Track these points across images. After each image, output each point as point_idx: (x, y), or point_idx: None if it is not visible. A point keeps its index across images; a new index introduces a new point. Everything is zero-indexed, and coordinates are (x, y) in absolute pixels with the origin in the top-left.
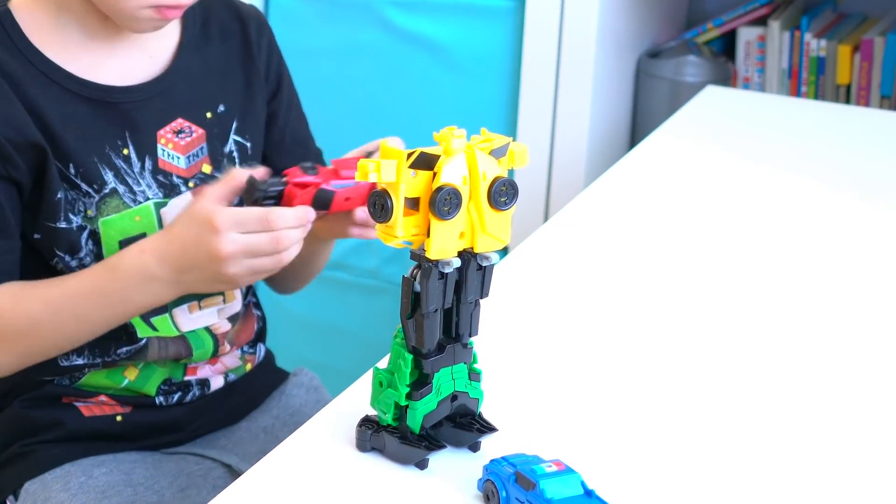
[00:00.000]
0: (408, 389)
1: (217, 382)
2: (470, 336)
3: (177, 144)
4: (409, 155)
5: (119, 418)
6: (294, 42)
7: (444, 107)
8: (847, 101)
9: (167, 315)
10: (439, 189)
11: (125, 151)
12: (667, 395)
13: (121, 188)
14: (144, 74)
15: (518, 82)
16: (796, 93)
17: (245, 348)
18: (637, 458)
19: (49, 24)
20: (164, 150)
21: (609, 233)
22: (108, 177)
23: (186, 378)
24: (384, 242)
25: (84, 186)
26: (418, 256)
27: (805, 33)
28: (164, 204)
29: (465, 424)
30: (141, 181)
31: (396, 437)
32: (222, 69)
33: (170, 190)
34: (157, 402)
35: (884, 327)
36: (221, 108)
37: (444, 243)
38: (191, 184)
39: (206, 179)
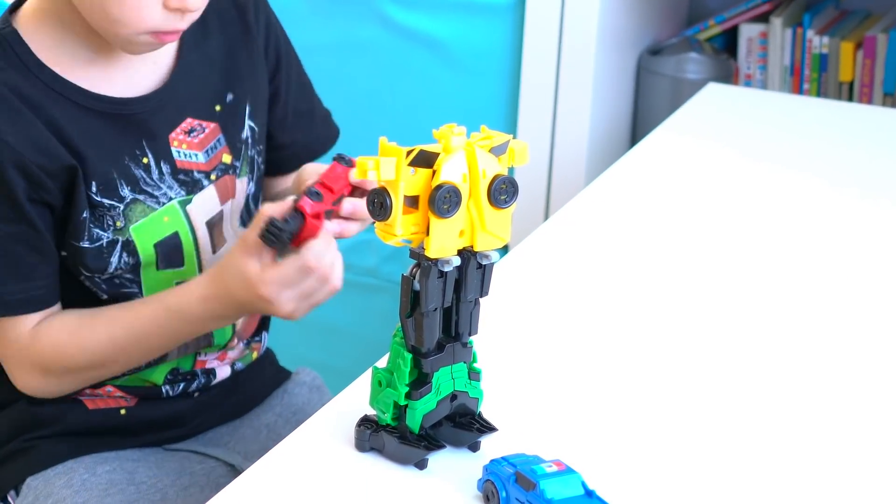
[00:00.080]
0: (407, 389)
1: (223, 372)
2: (470, 335)
3: (191, 143)
4: (409, 152)
5: (123, 412)
6: (292, 38)
7: (444, 104)
8: (850, 98)
9: None
10: (439, 187)
11: (144, 160)
12: (668, 394)
13: (140, 196)
14: (151, 81)
15: (518, 79)
16: (798, 90)
17: (250, 339)
18: (638, 458)
19: (55, 42)
20: (178, 152)
21: (610, 231)
22: (125, 191)
23: (195, 369)
24: (383, 241)
25: (107, 202)
26: (418, 255)
27: (807, 30)
28: (189, 201)
29: (464, 424)
30: (161, 185)
31: (395, 436)
32: (225, 59)
33: (192, 186)
34: (163, 391)
35: (885, 325)
36: (230, 97)
37: (444, 242)
38: (212, 176)
39: (226, 169)
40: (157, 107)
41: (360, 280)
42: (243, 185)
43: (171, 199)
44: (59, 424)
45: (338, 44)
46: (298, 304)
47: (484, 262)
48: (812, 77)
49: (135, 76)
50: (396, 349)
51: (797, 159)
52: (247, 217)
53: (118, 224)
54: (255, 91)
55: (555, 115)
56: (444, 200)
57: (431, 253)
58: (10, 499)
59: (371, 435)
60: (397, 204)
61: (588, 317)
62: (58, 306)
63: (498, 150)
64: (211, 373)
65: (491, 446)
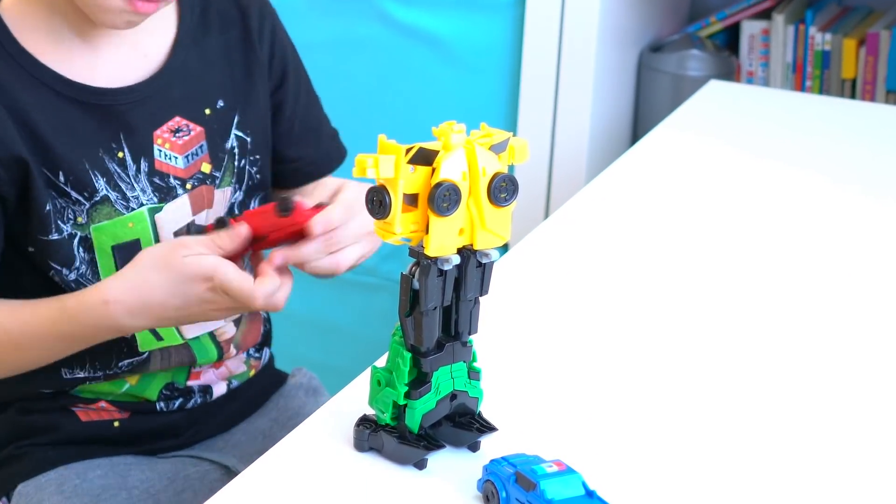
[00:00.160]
0: (406, 388)
1: (220, 389)
2: (469, 334)
3: (174, 144)
4: (408, 150)
5: (116, 424)
6: (291, 35)
7: (444, 101)
8: (852, 95)
9: None
10: (438, 185)
11: (119, 154)
12: (669, 393)
13: (113, 195)
14: (139, 74)
15: (518, 76)
16: (801, 87)
17: (251, 352)
18: (639, 458)
19: (40, 26)
20: (160, 151)
21: (611, 229)
22: (100, 183)
23: (189, 383)
24: (382, 239)
25: (74, 194)
26: (417, 253)
27: (809, 27)
28: (160, 209)
29: (464, 424)
30: (136, 185)
31: (395, 436)
32: (221, 62)
33: (166, 193)
34: (157, 407)
35: (888, 323)
36: (221, 103)
37: (443, 240)
38: (188, 185)
39: (204, 179)
40: (139, 100)
41: (359, 279)
42: (224, 195)
43: (142, 204)
44: (51, 433)
45: (337, 41)
46: (221, 313)
47: (484, 261)
48: (814, 74)
49: (121, 66)
50: (396, 348)
51: (799, 157)
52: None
53: (79, 220)
54: (247, 101)
55: (555, 113)
56: (443, 198)
57: (431, 251)
58: None
59: (370, 435)
60: (396, 202)
61: (589, 315)
62: None
63: (498, 148)
64: (207, 390)
65: (491, 446)
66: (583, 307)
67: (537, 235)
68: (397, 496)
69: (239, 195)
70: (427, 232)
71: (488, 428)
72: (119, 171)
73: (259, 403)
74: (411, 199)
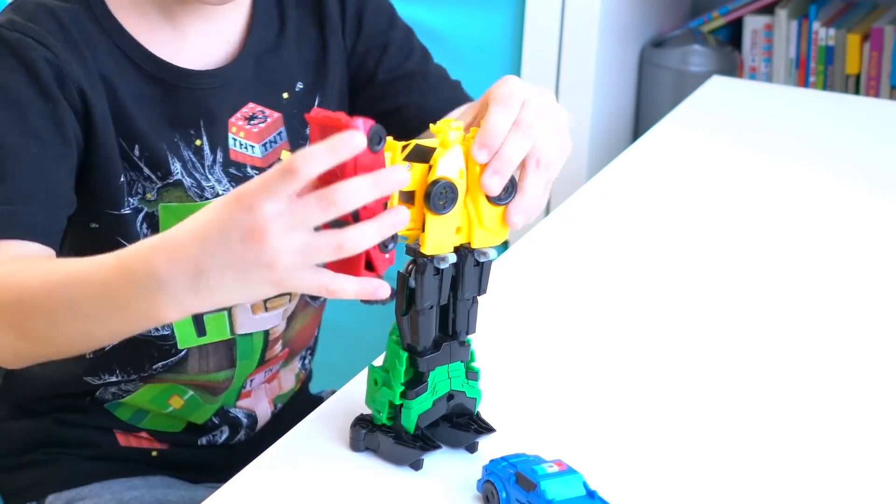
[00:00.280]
0: (402, 388)
1: (264, 414)
2: (467, 334)
3: (249, 132)
4: (404, 147)
5: (154, 453)
6: None
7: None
8: (856, 91)
9: (225, 314)
10: (434, 183)
11: (198, 143)
12: (671, 393)
13: (187, 181)
14: (220, 57)
15: (519, 72)
16: (804, 83)
17: (303, 354)
18: (640, 459)
19: (129, 3)
20: (235, 140)
21: (612, 227)
22: (176, 167)
23: (240, 404)
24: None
25: (147, 171)
26: (413, 251)
27: (813, 22)
28: None
29: (462, 424)
30: (210, 176)
31: (391, 436)
32: (298, 40)
33: (243, 183)
34: (199, 442)
35: (891, 321)
36: (300, 85)
37: (440, 238)
38: None
39: None
40: (220, 84)
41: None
42: None
43: (217, 194)
44: (87, 448)
45: None
46: (288, 230)
47: (482, 260)
48: (818, 70)
49: (204, 52)
50: (393, 348)
51: (803, 153)
52: None
53: (148, 196)
54: (326, 82)
55: None
56: (439, 196)
57: (427, 250)
58: None
59: (366, 435)
60: (393, 200)
61: (590, 314)
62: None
63: None
64: (253, 421)
65: (490, 447)
66: (584, 305)
67: (538, 233)
68: (393, 497)
69: None
70: (423, 230)
71: (486, 429)
72: (195, 159)
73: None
74: (408, 197)
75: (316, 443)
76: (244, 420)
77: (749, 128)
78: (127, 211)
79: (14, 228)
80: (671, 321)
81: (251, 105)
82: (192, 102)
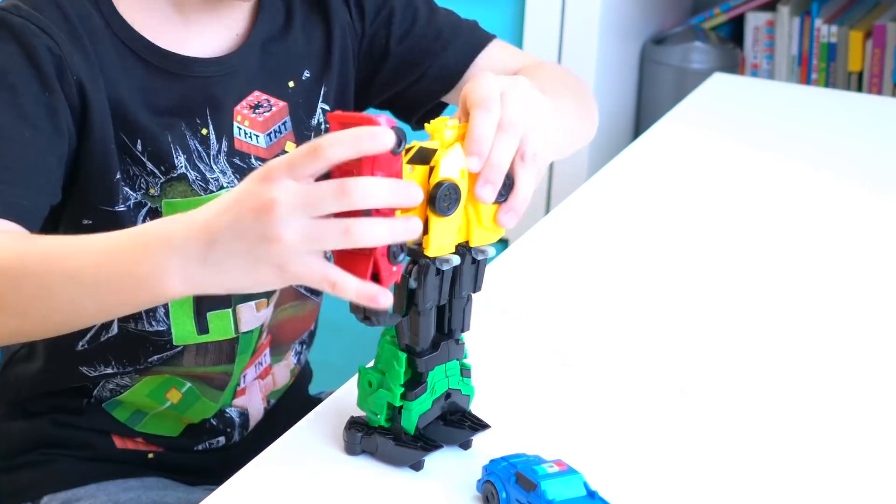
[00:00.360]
0: (402, 389)
1: (256, 413)
2: (462, 332)
3: (254, 121)
4: (407, 150)
5: (150, 455)
6: None
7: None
8: (859, 88)
9: (229, 311)
10: (439, 185)
11: (203, 131)
12: (671, 392)
13: (191, 174)
14: (224, 47)
15: None
16: (806, 80)
17: (300, 350)
18: (641, 459)
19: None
20: (240, 129)
21: (612, 225)
22: (180, 160)
23: (236, 402)
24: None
25: (150, 165)
26: (414, 252)
27: (815, 18)
28: None
29: (455, 422)
30: (215, 167)
31: (390, 438)
32: (305, 28)
33: (246, 174)
34: (195, 447)
35: (894, 320)
36: (306, 73)
37: (443, 240)
38: None
39: None
40: (226, 72)
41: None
42: None
43: (221, 187)
44: (84, 450)
45: None
46: (299, 210)
47: (479, 258)
48: (820, 67)
49: (210, 40)
50: (388, 349)
51: (805, 151)
52: None
53: (151, 191)
54: (332, 71)
55: None
56: (444, 199)
57: (431, 252)
58: None
59: (363, 438)
60: None
61: (590, 312)
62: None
63: None
64: (245, 420)
65: (490, 446)
66: (584, 303)
67: (538, 231)
68: (393, 498)
69: None
70: (426, 232)
71: (480, 425)
72: (200, 149)
73: (293, 424)
74: None
75: (313, 444)
76: (237, 420)
77: (751, 125)
78: (122, 208)
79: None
80: (671, 319)
81: (256, 94)
82: (198, 90)
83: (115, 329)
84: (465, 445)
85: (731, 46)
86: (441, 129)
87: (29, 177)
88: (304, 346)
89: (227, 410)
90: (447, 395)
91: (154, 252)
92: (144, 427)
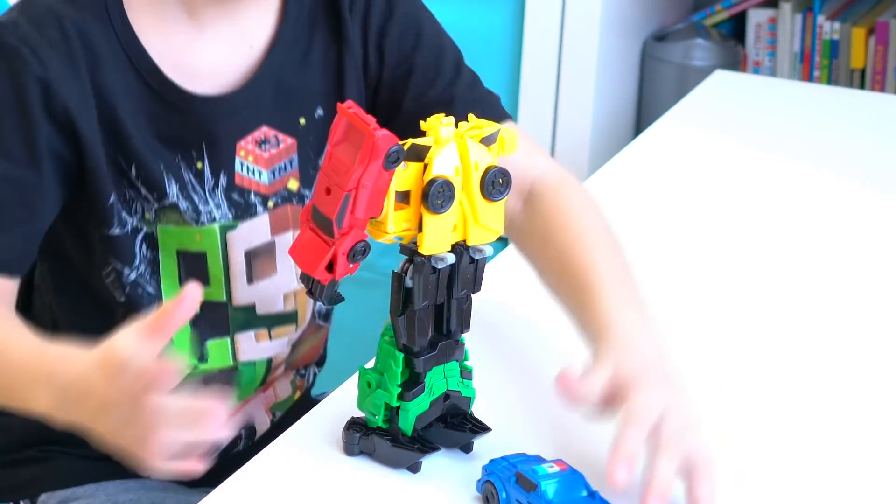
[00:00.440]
0: (399, 390)
1: (262, 425)
2: (462, 332)
3: (258, 157)
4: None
5: None
6: None
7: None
8: (861, 86)
9: (227, 340)
10: (432, 182)
11: (199, 165)
12: None
13: (183, 204)
14: (237, 74)
15: (519, 67)
16: (808, 77)
17: (300, 370)
18: (640, 458)
19: (153, 10)
20: (242, 164)
21: (613, 223)
22: (172, 190)
23: (234, 417)
24: (374, 238)
25: (143, 191)
26: (409, 251)
27: (818, 15)
28: (233, 227)
29: (456, 424)
30: (210, 200)
31: (387, 439)
32: (323, 64)
33: (243, 210)
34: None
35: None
36: (320, 111)
37: (437, 238)
38: (270, 203)
39: (290, 198)
40: (229, 111)
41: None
42: None
43: (213, 219)
44: (83, 448)
45: None
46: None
47: (477, 257)
48: (822, 64)
49: (222, 49)
50: (386, 349)
51: (807, 149)
52: None
53: (147, 216)
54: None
55: (556, 104)
56: (437, 195)
57: (425, 249)
58: None
59: (361, 438)
60: (389, 200)
61: None
62: (15, 284)
63: (488, 140)
64: (251, 431)
65: (489, 447)
66: None
67: None
68: (391, 500)
69: None
70: (420, 230)
71: (481, 428)
72: (194, 182)
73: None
74: (403, 197)
75: (311, 446)
76: (242, 431)
77: (753, 123)
78: (118, 231)
79: None
80: (672, 318)
81: (265, 129)
82: (197, 125)
83: None
84: (466, 448)
85: (732, 43)
86: (437, 127)
87: (14, 224)
88: (316, 365)
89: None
90: (446, 396)
91: (58, 392)
92: None
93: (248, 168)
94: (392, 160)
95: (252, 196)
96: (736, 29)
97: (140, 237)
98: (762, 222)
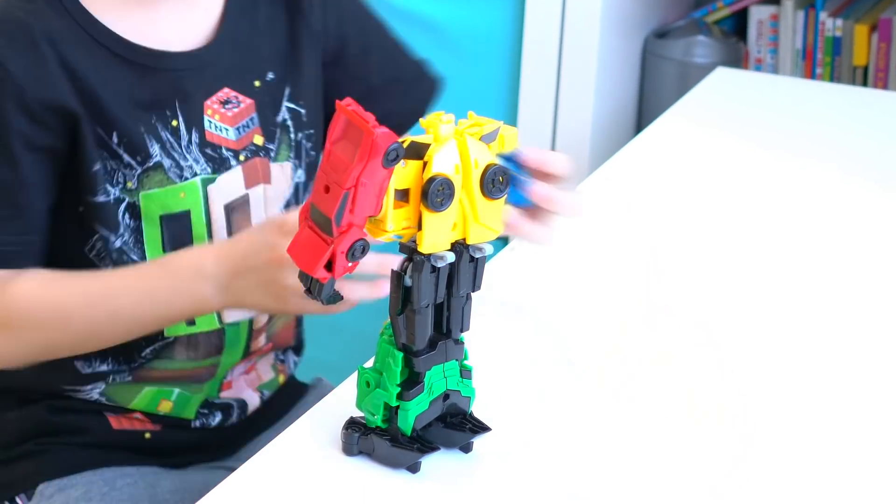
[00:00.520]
0: (398, 389)
1: (253, 402)
2: (462, 331)
3: (224, 116)
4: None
5: (147, 435)
6: None
7: (442, 90)
8: (864, 83)
9: None
10: (431, 180)
11: (174, 123)
12: (671, 391)
13: (166, 162)
14: (195, 39)
15: (519, 64)
16: (811, 74)
17: (279, 354)
18: (641, 458)
19: None
20: (210, 122)
21: (613, 221)
22: (154, 149)
23: (224, 395)
24: (373, 237)
25: (126, 157)
26: (409, 249)
27: (820, 12)
28: (212, 180)
29: (455, 424)
30: (188, 155)
31: (386, 439)
32: (270, 32)
33: (219, 164)
34: (192, 424)
35: None
36: (270, 75)
37: (437, 236)
38: (241, 156)
39: (257, 151)
40: (195, 67)
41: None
42: (284, 171)
43: (195, 174)
44: (79, 435)
45: None
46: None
47: (477, 256)
48: (825, 61)
49: (178, 35)
50: (385, 348)
51: (809, 146)
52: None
53: (129, 185)
54: (298, 72)
55: (557, 102)
56: (437, 193)
57: (424, 248)
58: (19, 501)
59: (360, 438)
60: (388, 198)
61: (590, 311)
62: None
63: (488, 138)
64: (243, 406)
65: (486, 447)
66: (586, 301)
67: None
68: (390, 500)
69: (301, 174)
70: (420, 228)
71: (481, 428)
72: (172, 139)
73: (287, 411)
74: (402, 195)
75: (310, 446)
76: (235, 405)
77: (754, 120)
78: (102, 199)
79: None
80: (673, 316)
81: (226, 90)
82: (167, 83)
83: None
84: (466, 449)
85: (734, 40)
86: (436, 124)
87: (4, 221)
88: (292, 351)
89: (217, 401)
90: (445, 396)
91: (186, 283)
92: (139, 405)
93: (216, 126)
94: (391, 158)
95: (224, 150)
96: (737, 26)
97: (123, 207)
98: (764, 220)
